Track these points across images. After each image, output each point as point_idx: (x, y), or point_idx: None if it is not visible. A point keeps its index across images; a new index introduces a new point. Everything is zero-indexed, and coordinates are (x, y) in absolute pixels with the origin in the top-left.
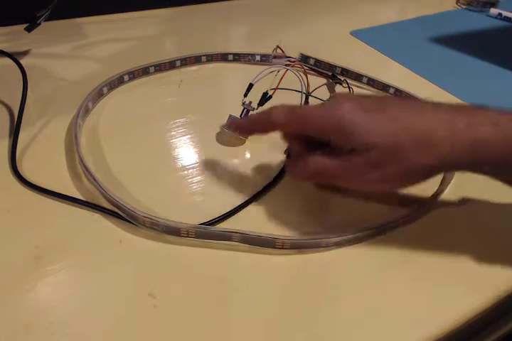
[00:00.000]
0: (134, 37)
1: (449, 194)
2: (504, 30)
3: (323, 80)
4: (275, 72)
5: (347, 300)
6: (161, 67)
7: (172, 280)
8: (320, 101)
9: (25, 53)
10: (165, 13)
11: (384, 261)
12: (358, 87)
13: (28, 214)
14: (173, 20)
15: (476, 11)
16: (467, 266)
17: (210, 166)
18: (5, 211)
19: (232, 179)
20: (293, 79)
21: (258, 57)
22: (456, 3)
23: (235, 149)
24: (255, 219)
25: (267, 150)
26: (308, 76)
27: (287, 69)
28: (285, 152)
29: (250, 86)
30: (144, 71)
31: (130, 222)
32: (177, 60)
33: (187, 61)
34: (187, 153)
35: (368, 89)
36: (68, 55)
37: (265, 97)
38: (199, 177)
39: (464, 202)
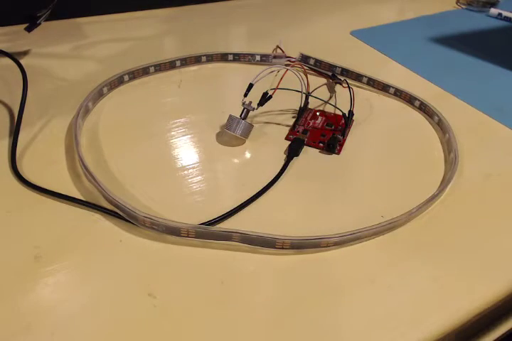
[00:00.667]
0: (134, 37)
1: (449, 194)
2: (504, 30)
3: (323, 80)
4: (275, 72)
5: (347, 300)
6: (161, 67)
7: (172, 280)
8: (320, 102)
9: (25, 53)
10: (165, 13)
11: (384, 260)
12: (358, 87)
13: (28, 214)
14: (173, 20)
15: (476, 11)
16: (468, 266)
17: (210, 166)
18: (5, 211)
19: (232, 179)
20: (293, 79)
21: (258, 57)
22: (456, 3)
23: (235, 149)
24: (255, 219)
25: (267, 150)
26: (308, 76)
27: (287, 69)
28: (285, 152)
29: (250, 86)
30: (144, 71)
31: (130, 222)
32: (177, 60)
33: (187, 61)
34: (187, 153)
35: (368, 89)
36: (68, 55)
37: (265, 97)
38: (199, 177)
39: (464, 201)
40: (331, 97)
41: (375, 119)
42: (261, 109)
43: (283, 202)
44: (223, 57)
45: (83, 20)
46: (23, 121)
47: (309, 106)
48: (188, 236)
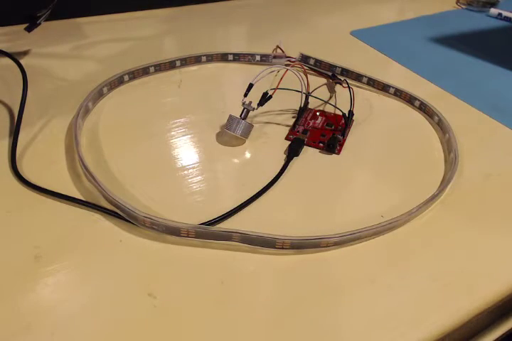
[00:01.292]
0: (134, 37)
1: (449, 194)
2: (504, 30)
3: (323, 80)
4: (275, 72)
5: (347, 300)
6: (161, 67)
7: (172, 280)
8: (320, 102)
9: (25, 53)
10: (165, 13)
11: (384, 260)
12: (358, 87)
13: (28, 214)
14: (173, 20)
15: (476, 11)
16: (468, 266)
17: (210, 166)
18: (5, 211)
19: (232, 179)
20: (293, 79)
21: (258, 57)
22: (456, 3)
23: (235, 149)
24: (255, 219)
25: (267, 150)
26: (308, 76)
27: (287, 69)
28: (285, 152)
29: (250, 86)
30: (144, 71)
31: (130, 222)
32: (177, 60)
33: (187, 61)
34: (187, 153)
35: (368, 89)
36: (68, 55)
37: (265, 97)
38: (199, 177)
39: (464, 201)
40: (331, 97)
41: (375, 119)
42: (261, 109)
43: (283, 202)
44: (223, 57)
45: (83, 20)
46: (23, 121)
47: (309, 106)
48: (188, 236)
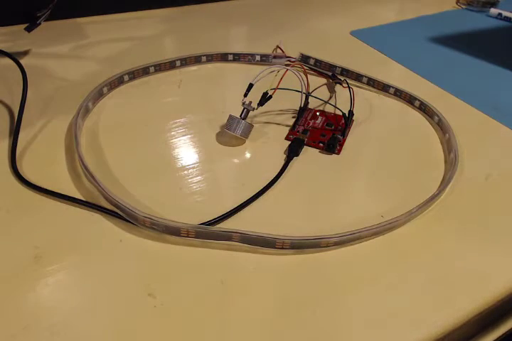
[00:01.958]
0: (134, 37)
1: (449, 194)
2: (504, 30)
3: (323, 80)
4: (275, 72)
5: (347, 300)
6: (161, 67)
7: (172, 280)
8: (320, 102)
9: (25, 53)
10: (165, 13)
11: (384, 261)
12: (358, 87)
13: (28, 214)
14: (173, 20)
15: (476, 11)
16: (468, 266)
17: (210, 166)
18: (5, 211)
19: (232, 179)
20: (293, 79)
21: (258, 57)
22: (456, 3)
23: (235, 149)
24: (255, 219)
25: (267, 150)
26: (308, 76)
27: (287, 69)
28: (285, 152)
29: (250, 86)
30: (144, 71)
31: (130, 222)
32: (177, 60)
33: (187, 61)
34: (187, 153)
35: (368, 89)
36: (68, 55)
37: (265, 97)
38: (199, 177)
39: (464, 201)
40: (331, 97)
41: (375, 119)
42: (261, 109)
43: (283, 202)
44: (223, 57)
45: (83, 20)
46: (23, 121)
47: (309, 106)
48: (188, 236)
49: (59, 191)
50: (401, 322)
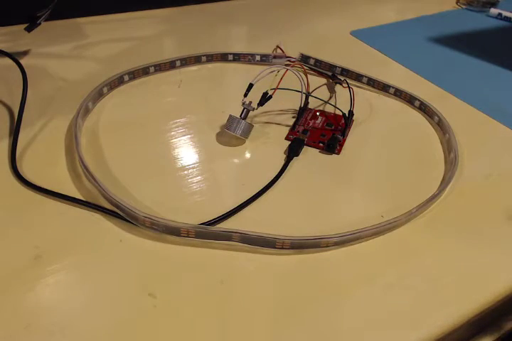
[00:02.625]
0: (134, 37)
1: (449, 194)
2: (504, 30)
3: (323, 80)
4: (275, 72)
5: (347, 300)
6: (161, 67)
7: (172, 280)
8: (320, 102)
9: (25, 53)
10: (165, 13)
11: (384, 260)
12: (358, 87)
13: (28, 214)
14: (173, 20)
15: (476, 11)
16: (467, 266)
17: (210, 166)
18: (5, 211)
19: (232, 179)
20: (293, 79)
21: (258, 57)
22: (456, 3)
23: (235, 149)
24: (255, 219)
25: (267, 150)
26: (308, 76)
27: (287, 69)
28: (285, 152)
29: (250, 86)
30: (144, 71)
31: (130, 222)
32: (177, 60)
33: (187, 61)
34: (187, 153)
35: (368, 89)
36: (68, 55)
37: (265, 97)
38: (199, 177)
39: (464, 201)
40: (331, 97)
41: (375, 119)
42: (261, 109)
43: (283, 202)
44: (223, 57)
45: (83, 20)
46: (23, 121)
47: (309, 106)
48: (188, 236)
49: (59, 191)
50: (401, 322)
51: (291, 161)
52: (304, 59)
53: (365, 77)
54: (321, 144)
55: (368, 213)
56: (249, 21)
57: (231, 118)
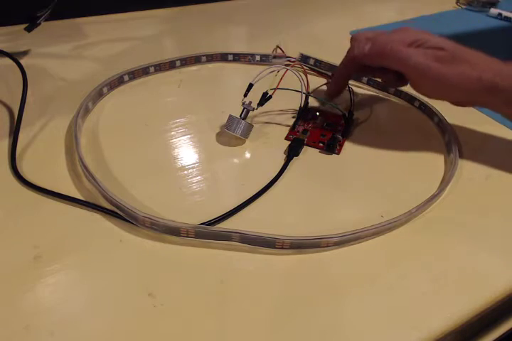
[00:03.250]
0: (134, 37)
1: (449, 194)
2: (504, 30)
3: (323, 80)
4: (275, 72)
5: (347, 300)
6: (161, 67)
7: (172, 280)
8: (320, 101)
9: (25, 53)
10: (165, 13)
11: (384, 260)
12: (357, 86)
13: (28, 214)
14: (173, 20)
15: (476, 11)
16: (468, 266)
17: (210, 166)
18: (5, 211)
19: (232, 179)
20: (293, 79)
21: (258, 57)
22: (456, 3)
23: (235, 149)
24: (255, 219)
25: (267, 150)
26: (308, 76)
27: (287, 69)
28: (285, 152)
29: (250, 86)
30: (144, 71)
31: (130, 222)
32: (177, 60)
33: (187, 61)
34: (187, 153)
35: (368, 89)
36: (68, 55)
37: (265, 97)
38: (199, 177)
39: (464, 201)
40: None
41: (375, 119)
42: (261, 109)
43: (283, 202)
44: (223, 57)
45: (83, 20)
46: (23, 121)
47: (309, 106)
48: (187, 236)
49: (59, 191)
50: (401, 322)
51: (291, 161)
52: (304, 59)
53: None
54: (321, 144)
55: (368, 213)
56: (249, 21)
57: (231, 118)
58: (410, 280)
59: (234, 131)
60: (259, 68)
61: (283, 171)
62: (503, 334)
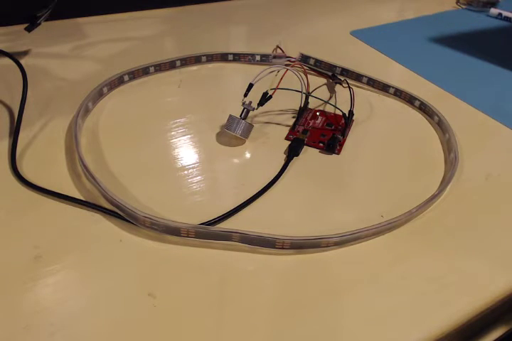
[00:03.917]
0: (134, 37)
1: (449, 194)
2: (504, 30)
3: (323, 80)
4: (275, 72)
5: (347, 300)
6: (161, 67)
7: (172, 280)
8: (320, 102)
9: (25, 53)
10: (165, 13)
11: (384, 260)
12: (358, 87)
13: (28, 214)
14: (173, 20)
15: (476, 11)
16: (468, 266)
17: (210, 166)
18: (5, 211)
19: (232, 179)
20: (293, 79)
21: (258, 57)
22: (456, 3)
23: (235, 149)
24: (255, 219)
25: (267, 150)
26: (308, 76)
27: (287, 69)
28: (285, 152)
29: (250, 86)
30: (144, 71)
31: (130, 222)
32: (177, 60)
33: (187, 61)
34: (187, 153)
35: (368, 89)
36: (68, 55)
37: (265, 97)
38: (199, 177)
39: (464, 201)
40: (331, 97)
41: (375, 119)
42: (261, 109)
43: (283, 202)
44: (223, 57)
45: (83, 20)
46: (23, 121)
47: (309, 106)
48: (188, 236)
49: (59, 191)
50: (401, 322)
51: (291, 161)
52: (304, 59)
53: (365, 77)
54: (321, 144)
55: (368, 213)
56: (249, 21)
57: (231, 118)
58: (410, 280)
59: (234, 131)
60: (259, 68)
61: (283, 171)
62: (503, 334)
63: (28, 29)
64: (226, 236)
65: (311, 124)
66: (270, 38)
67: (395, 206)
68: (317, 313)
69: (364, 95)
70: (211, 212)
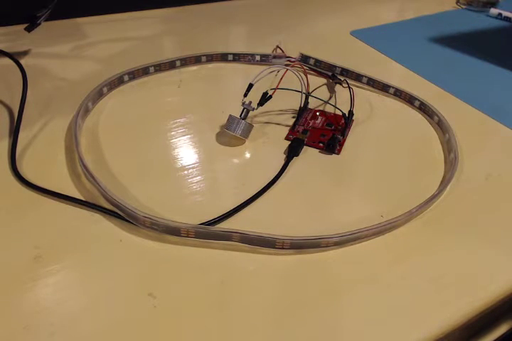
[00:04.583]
0: (134, 37)
1: (449, 194)
2: (504, 30)
3: (323, 80)
4: (275, 72)
5: (347, 300)
6: (161, 67)
7: (172, 280)
8: (320, 102)
9: (25, 53)
10: (165, 13)
11: (384, 260)
12: (358, 87)
13: (28, 214)
14: (173, 20)
15: (476, 11)
16: (468, 266)
17: (210, 166)
18: (5, 211)
19: (232, 179)
20: (293, 79)
21: (258, 57)
22: (456, 3)
23: (235, 149)
24: (255, 219)
25: (267, 150)
26: (308, 76)
27: (287, 69)
28: (285, 152)
29: (250, 86)
30: (144, 71)
31: (130, 222)
32: (177, 60)
33: (187, 61)
34: (187, 153)
35: (368, 89)
36: (68, 55)
37: (265, 97)
38: (199, 177)
39: (464, 201)
40: (330, 97)
41: (375, 119)
42: (261, 109)
43: (283, 202)
44: (223, 57)
45: (83, 20)
46: (23, 121)
47: (309, 106)
48: (188, 236)
49: (59, 191)
50: (401, 322)
51: (291, 161)
52: (304, 59)
53: (365, 77)
54: (321, 144)
55: (368, 213)
56: (249, 21)
57: (231, 118)
58: (410, 280)
59: (234, 131)
60: (259, 68)
61: (283, 171)
62: (503, 334)
63: (28, 29)
64: (226, 236)
65: (311, 124)
66: (270, 38)
67: (395, 206)
68: (317, 313)
69: (364, 95)
70: (211, 212)
